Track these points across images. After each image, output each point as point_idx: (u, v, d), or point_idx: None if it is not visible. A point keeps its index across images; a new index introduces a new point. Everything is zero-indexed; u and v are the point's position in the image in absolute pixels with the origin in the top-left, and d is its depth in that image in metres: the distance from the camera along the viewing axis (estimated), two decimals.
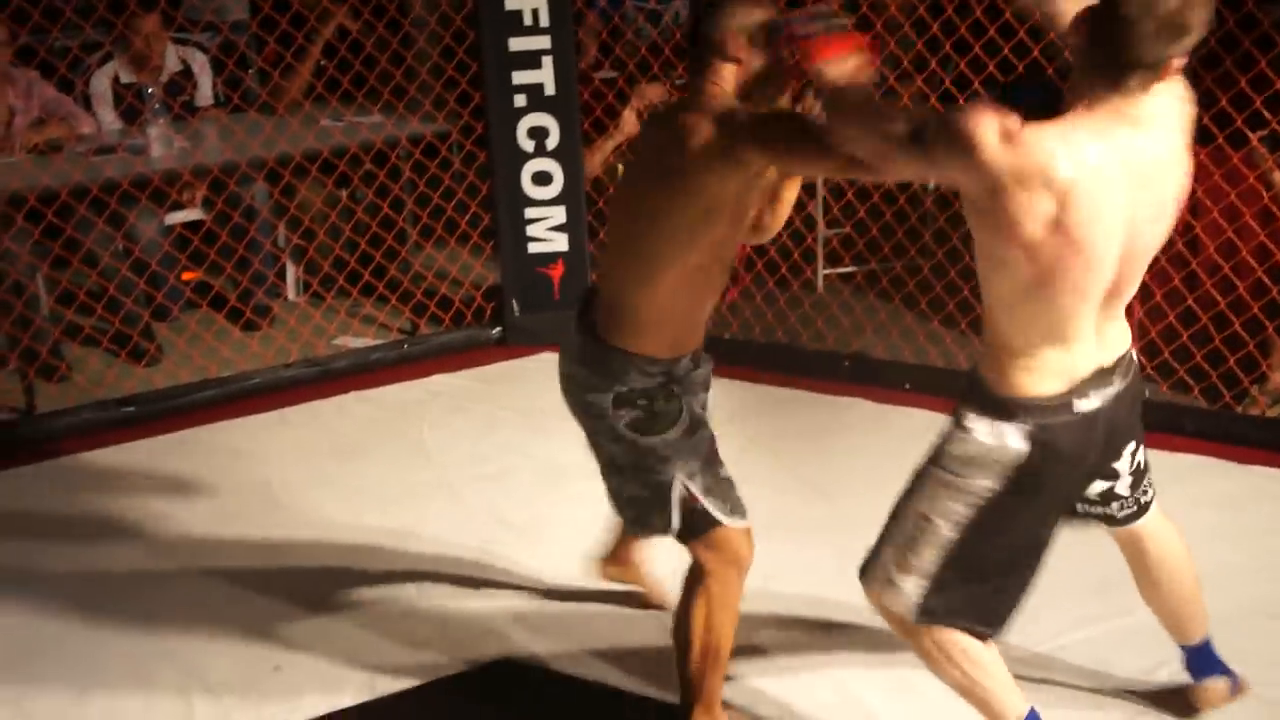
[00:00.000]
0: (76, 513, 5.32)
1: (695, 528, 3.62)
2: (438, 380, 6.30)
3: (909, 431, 5.00)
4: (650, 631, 4.44)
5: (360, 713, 4.20)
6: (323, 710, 4.14)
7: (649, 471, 3.64)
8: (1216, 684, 3.81)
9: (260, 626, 4.54)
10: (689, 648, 3.70)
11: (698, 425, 3.68)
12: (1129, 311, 5.28)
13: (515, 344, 6.52)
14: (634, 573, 4.48)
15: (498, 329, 6.62)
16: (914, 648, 3.47)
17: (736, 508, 3.70)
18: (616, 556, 4.45)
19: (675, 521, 3.64)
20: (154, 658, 4.40)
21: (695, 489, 3.63)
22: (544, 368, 5.77)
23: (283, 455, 5.68)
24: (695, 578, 3.70)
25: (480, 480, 5.36)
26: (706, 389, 3.88)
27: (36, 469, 5.62)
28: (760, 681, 4.13)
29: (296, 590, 4.72)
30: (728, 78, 3.43)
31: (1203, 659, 3.74)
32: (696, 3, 3.93)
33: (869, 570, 3.40)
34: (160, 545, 5.03)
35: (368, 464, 5.57)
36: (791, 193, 3.62)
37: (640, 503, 3.69)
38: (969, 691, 3.41)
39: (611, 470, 3.72)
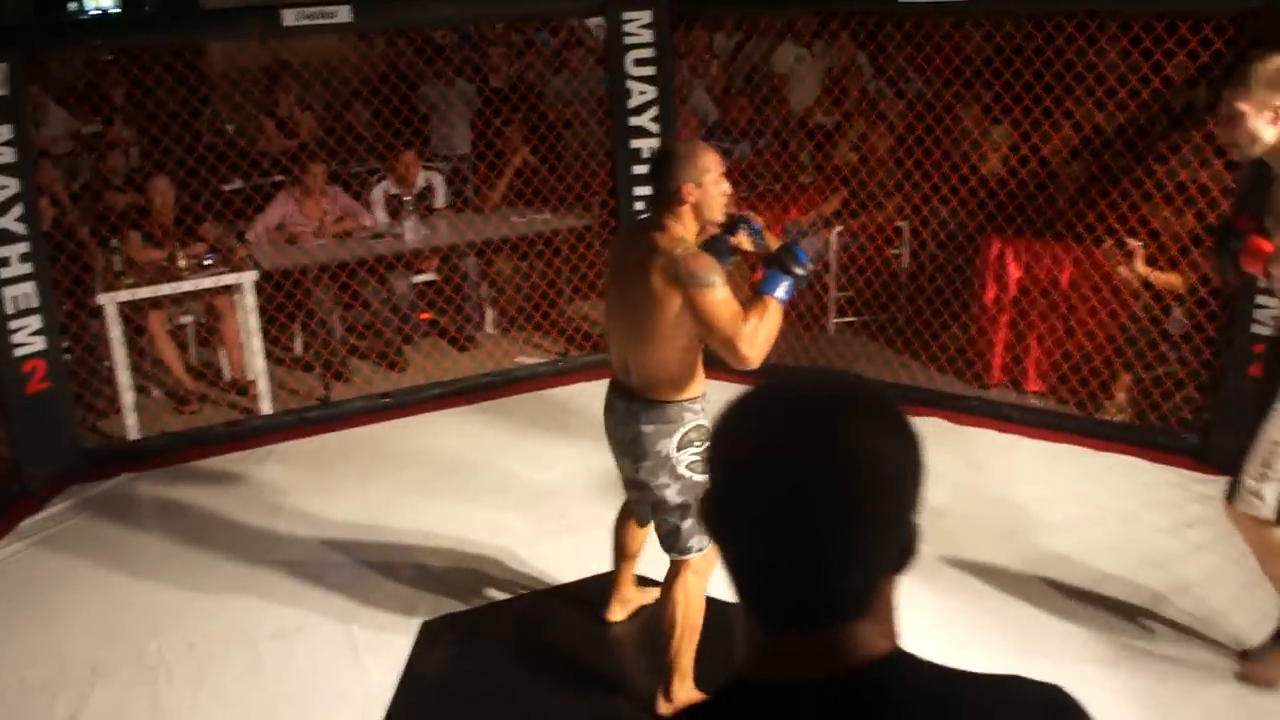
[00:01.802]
0: (355, 463, 5.84)
1: (694, 547, 3.68)
2: (580, 386, 6.61)
3: None
4: None
5: (533, 599, 4.62)
6: (504, 597, 4.65)
7: (691, 505, 3.62)
8: None
9: (463, 539, 5.04)
10: (673, 629, 3.75)
11: None
12: (1028, 351, 6.15)
13: None
14: (635, 600, 4.47)
15: None
16: (1263, 543, 3.72)
17: None
18: (621, 600, 4.43)
19: (694, 546, 3.67)
20: (387, 552, 4.97)
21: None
22: None
23: (482, 433, 6.14)
24: (678, 577, 3.72)
25: (605, 450, 5.17)
26: None
27: (330, 436, 6.19)
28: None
29: (489, 515, 5.21)
30: (684, 215, 3.49)
31: None
32: (658, 154, 3.62)
33: (1235, 493, 3.68)
34: (405, 480, 5.56)
35: (533, 439, 5.99)
36: (767, 328, 3.45)
37: (676, 532, 3.67)
38: None
39: (665, 510, 3.67)
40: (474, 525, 5.17)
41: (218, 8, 9.38)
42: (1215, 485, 5.01)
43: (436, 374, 6.79)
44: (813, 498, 1.16)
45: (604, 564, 4.69)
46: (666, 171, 3.50)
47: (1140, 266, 5.50)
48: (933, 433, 6.01)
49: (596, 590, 4.56)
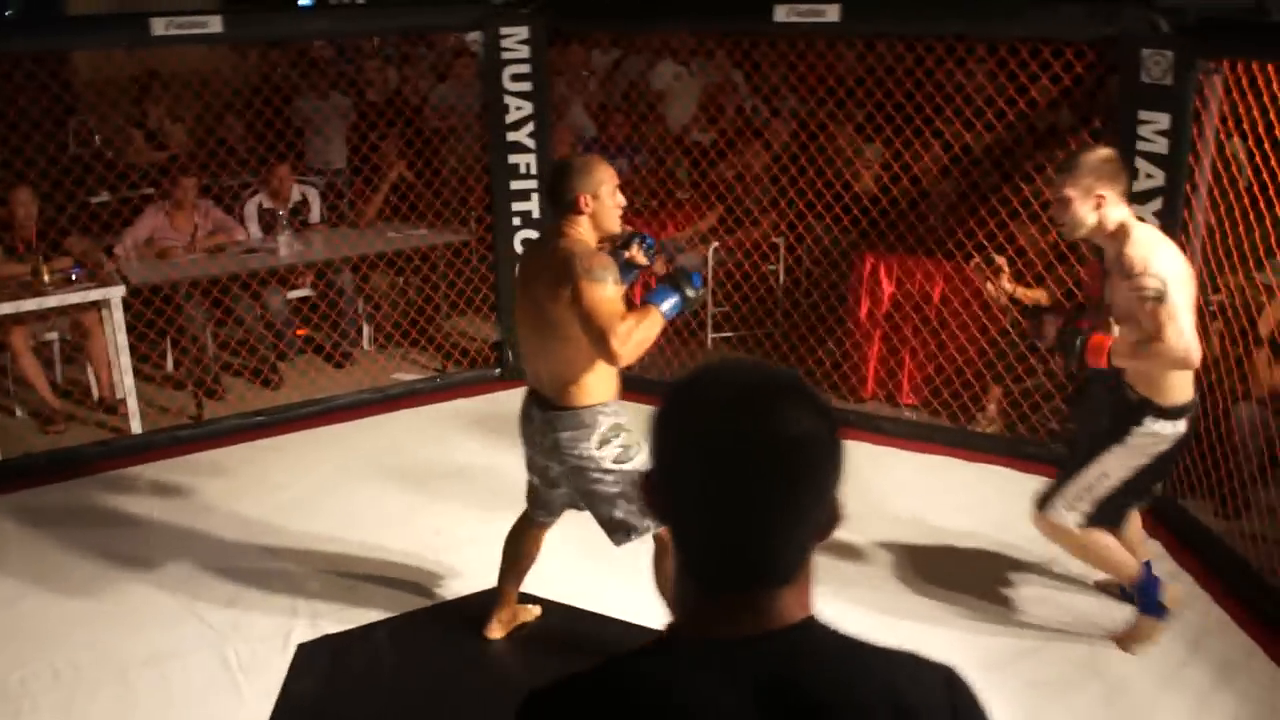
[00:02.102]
0: (229, 482, 5.72)
1: (649, 526, 3.74)
2: (458, 402, 6.64)
3: None
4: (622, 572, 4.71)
5: (407, 619, 4.57)
6: (382, 616, 4.61)
7: (637, 486, 3.63)
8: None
9: (338, 559, 5.00)
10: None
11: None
12: (901, 365, 6.27)
13: (509, 380, 6.66)
14: (518, 617, 4.47)
15: (498, 369, 6.86)
16: (1072, 544, 4.04)
17: None
18: (505, 620, 4.42)
19: (649, 525, 3.73)
20: (264, 573, 4.87)
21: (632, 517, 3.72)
22: None
23: (358, 448, 6.09)
24: (666, 549, 3.67)
25: (484, 467, 5.68)
26: None
27: (203, 455, 6.05)
28: None
29: (364, 533, 5.16)
30: (581, 224, 3.61)
31: None
32: (555, 166, 3.75)
33: (1047, 505, 4.02)
34: (279, 500, 5.47)
35: (412, 455, 5.96)
36: (643, 333, 3.53)
37: (630, 517, 3.73)
38: (1104, 561, 4.05)
39: (601, 501, 3.75)
40: (350, 544, 5.12)
41: (84, 14, 9.22)
42: None
43: (312, 391, 6.72)
44: (753, 477, 1.29)
45: (482, 581, 4.70)
46: (564, 183, 3.62)
47: (1006, 283, 5.60)
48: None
49: (474, 608, 4.55)
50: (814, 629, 1.37)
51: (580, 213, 3.62)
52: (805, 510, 1.32)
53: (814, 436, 1.30)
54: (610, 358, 3.50)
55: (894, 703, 1.33)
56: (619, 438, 3.71)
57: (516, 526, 4.27)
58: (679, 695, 1.30)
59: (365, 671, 4.27)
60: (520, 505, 5.25)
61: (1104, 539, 4.09)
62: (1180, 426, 3.91)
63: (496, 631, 4.41)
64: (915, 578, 4.74)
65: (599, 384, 3.69)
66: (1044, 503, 4.08)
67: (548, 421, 3.73)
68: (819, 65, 6.31)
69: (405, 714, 4.07)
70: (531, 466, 4.00)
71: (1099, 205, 3.73)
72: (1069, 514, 4.01)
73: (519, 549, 4.28)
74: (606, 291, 3.47)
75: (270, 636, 4.44)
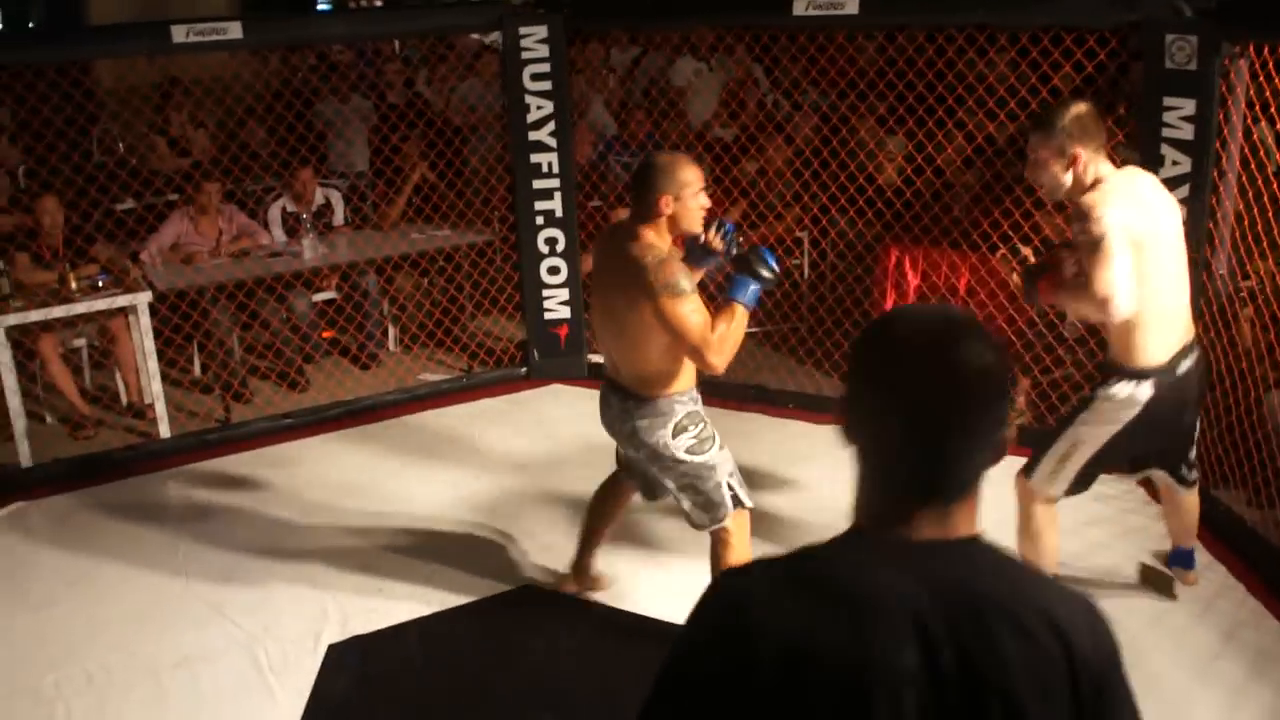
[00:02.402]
0: (258, 485, 5.74)
1: (736, 511, 3.82)
2: (484, 402, 6.66)
3: (793, 434, 5.83)
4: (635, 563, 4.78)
5: (438, 619, 4.56)
6: (413, 616, 4.59)
7: (705, 479, 3.78)
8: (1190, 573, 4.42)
9: (368, 560, 5.01)
10: None
11: (722, 444, 3.81)
12: None
13: (535, 379, 6.82)
14: (593, 583, 4.56)
15: (524, 369, 6.89)
16: (1028, 516, 4.01)
17: (748, 492, 3.86)
18: (579, 575, 4.52)
19: (726, 513, 3.81)
20: (293, 575, 4.88)
21: (735, 484, 3.82)
22: (554, 395, 6.50)
23: (386, 450, 6.10)
24: (723, 545, 3.86)
25: (511, 466, 5.77)
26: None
27: (231, 458, 6.07)
28: None
29: (392, 534, 5.19)
30: (660, 225, 3.59)
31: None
32: (640, 165, 3.70)
33: (1030, 471, 3.99)
34: (307, 502, 5.50)
35: (438, 456, 5.97)
36: (734, 335, 3.58)
37: (698, 507, 3.83)
38: (1036, 545, 4.00)
39: (674, 490, 3.85)
40: (379, 544, 5.12)
41: (105, 24, 9.24)
42: (1113, 485, 5.19)
43: (339, 393, 6.72)
44: (942, 404, 1.50)
45: (511, 580, 4.73)
46: (646, 183, 3.61)
47: None
48: (836, 441, 6.19)
49: (505, 608, 4.56)
50: (981, 543, 1.56)
51: (660, 215, 3.61)
52: (984, 435, 1.53)
53: (995, 369, 1.52)
54: (709, 369, 3.58)
55: (1048, 617, 1.48)
56: (695, 429, 3.76)
57: (605, 484, 4.39)
58: (864, 582, 1.49)
59: (396, 672, 4.27)
60: (551, 503, 5.38)
61: (1049, 524, 4.09)
62: (1145, 390, 3.80)
63: (570, 586, 4.55)
64: None
65: (676, 375, 3.74)
66: (1029, 470, 4.05)
67: (625, 409, 3.79)
68: (839, 58, 6.28)
69: (436, 715, 4.07)
70: (618, 445, 4.08)
71: (1073, 164, 3.65)
72: (1050, 485, 4.00)
73: (603, 506, 4.39)
74: (688, 305, 3.51)
75: (301, 638, 4.45)
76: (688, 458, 3.76)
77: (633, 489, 4.27)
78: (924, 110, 5.96)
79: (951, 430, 1.51)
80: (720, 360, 3.56)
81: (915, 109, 6.01)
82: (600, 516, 4.44)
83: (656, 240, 3.61)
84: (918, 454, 1.53)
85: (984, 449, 1.54)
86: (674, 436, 3.74)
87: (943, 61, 5.84)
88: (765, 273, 3.62)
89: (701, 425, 3.78)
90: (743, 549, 3.86)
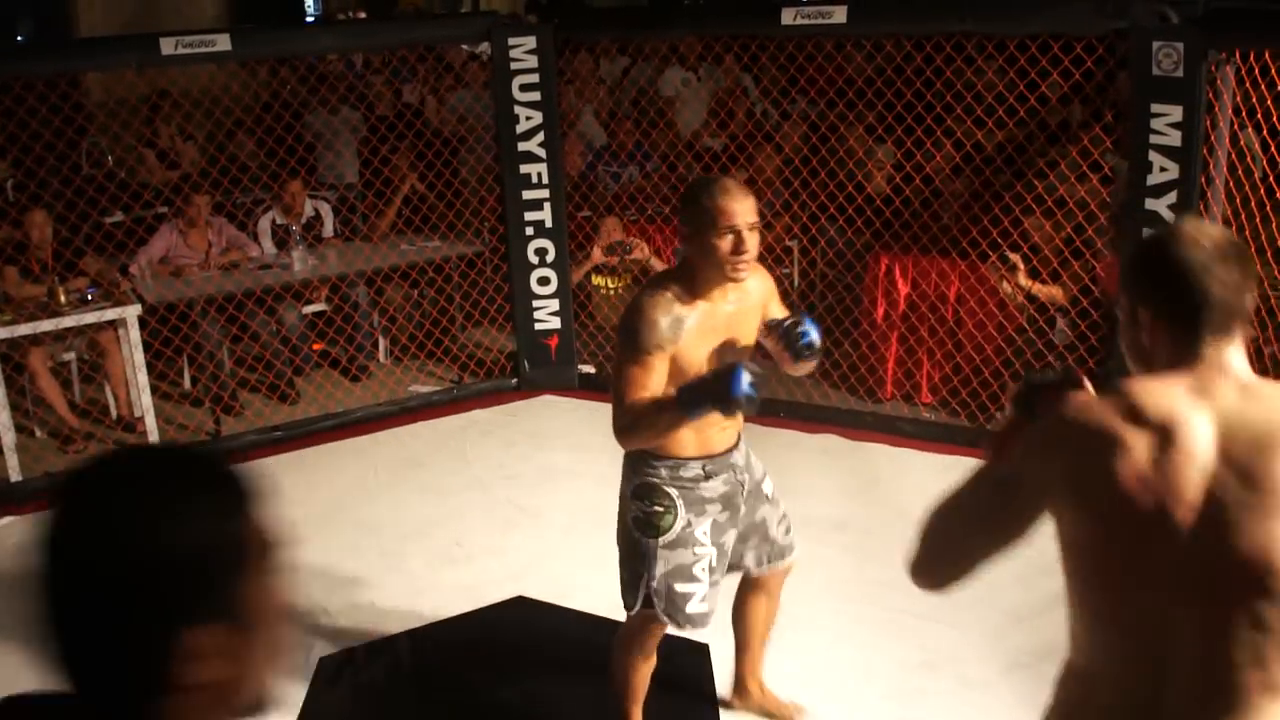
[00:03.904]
0: None
1: (644, 611, 3.30)
2: (475, 414, 6.62)
3: (783, 444, 5.87)
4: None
5: (429, 631, 4.54)
6: (404, 628, 4.55)
7: (636, 560, 3.29)
8: None
9: (359, 571, 4.99)
10: (615, 682, 3.56)
11: (684, 543, 3.21)
12: (919, 365, 6.24)
13: (526, 390, 6.80)
14: (763, 703, 3.90)
15: (515, 379, 6.86)
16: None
17: (681, 619, 3.27)
18: (741, 692, 3.91)
19: (633, 605, 3.32)
20: (292, 590, 4.62)
21: (657, 597, 3.25)
22: (545, 406, 6.47)
23: (375, 462, 6.09)
24: (625, 633, 3.49)
25: (502, 479, 5.77)
26: (728, 509, 3.29)
27: None
28: None
29: (383, 545, 5.17)
30: (684, 267, 3.13)
31: None
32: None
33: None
34: (297, 514, 5.35)
35: (429, 468, 5.96)
36: (651, 432, 3.08)
37: (623, 581, 3.36)
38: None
39: (619, 545, 3.40)
40: (370, 557, 5.10)
41: (94, 36, 9.23)
42: None
43: (329, 405, 6.71)
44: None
45: (502, 592, 4.71)
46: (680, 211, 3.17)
47: (1023, 280, 5.64)
48: (828, 449, 6.14)
49: (496, 619, 4.54)
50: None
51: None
52: (1251, 288, 1.89)
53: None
54: (614, 434, 3.13)
55: None
56: (650, 504, 3.24)
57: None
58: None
59: (387, 684, 4.26)
60: (541, 514, 5.36)
61: None
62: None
63: (737, 703, 3.94)
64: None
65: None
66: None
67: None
68: (828, 67, 6.30)
69: None
70: None
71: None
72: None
73: (736, 611, 3.80)
74: (630, 368, 3.05)
75: (291, 650, 4.42)
76: (631, 526, 3.30)
77: (748, 585, 3.70)
78: (912, 118, 5.97)
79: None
80: (623, 441, 3.13)
81: (904, 117, 6.02)
82: (737, 622, 3.82)
83: (672, 281, 3.13)
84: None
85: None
86: (632, 498, 3.28)
87: (930, 70, 5.86)
88: (729, 405, 2.91)
89: (662, 506, 3.22)
90: (636, 653, 3.47)
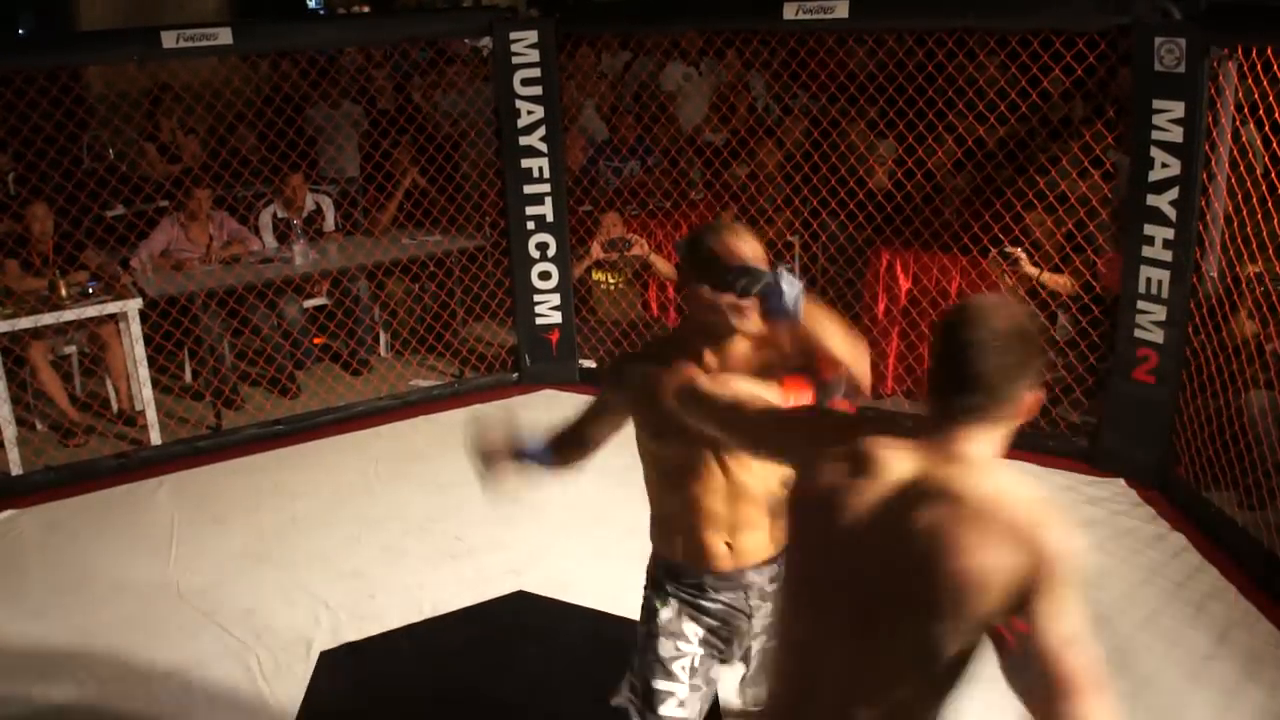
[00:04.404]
0: (249, 491, 5.73)
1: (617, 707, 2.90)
2: (476, 408, 6.39)
3: None
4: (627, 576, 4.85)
5: (430, 625, 4.54)
6: (404, 622, 4.57)
7: (637, 654, 2.95)
8: None
9: (359, 566, 5.01)
10: None
11: (653, 638, 2.88)
12: (920, 360, 6.23)
13: (527, 384, 6.83)
14: None
15: (516, 374, 6.90)
16: None
17: None
18: None
19: (618, 696, 2.98)
20: (285, 582, 4.89)
21: (634, 694, 2.91)
22: (546, 400, 6.48)
23: (377, 456, 6.10)
24: None
25: None
26: (723, 632, 2.86)
27: (222, 465, 6.07)
28: None
29: (384, 540, 5.19)
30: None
31: None
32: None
33: None
34: (299, 509, 5.49)
35: (429, 462, 5.95)
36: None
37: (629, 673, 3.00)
38: None
39: None
40: (371, 551, 5.11)
41: (95, 30, 9.22)
42: (1105, 487, 5.28)
43: (330, 399, 6.72)
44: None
45: (503, 587, 4.72)
46: None
47: (1029, 268, 5.64)
48: None
49: (496, 614, 4.55)
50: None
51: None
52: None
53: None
54: None
55: None
56: (646, 598, 2.99)
57: None
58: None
59: (388, 678, 4.26)
60: (541, 508, 5.27)
61: None
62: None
63: None
64: None
65: (658, 529, 2.97)
66: None
67: None
68: (830, 62, 6.29)
69: (429, 718, 4.05)
70: None
71: None
72: None
73: None
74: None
75: (292, 644, 4.43)
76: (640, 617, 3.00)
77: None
78: (914, 114, 5.97)
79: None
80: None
81: (906, 112, 6.02)
82: None
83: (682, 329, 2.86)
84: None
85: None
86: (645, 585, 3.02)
87: (932, 65, 5.86)
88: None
89: (650, 610, 2.94)
90: None
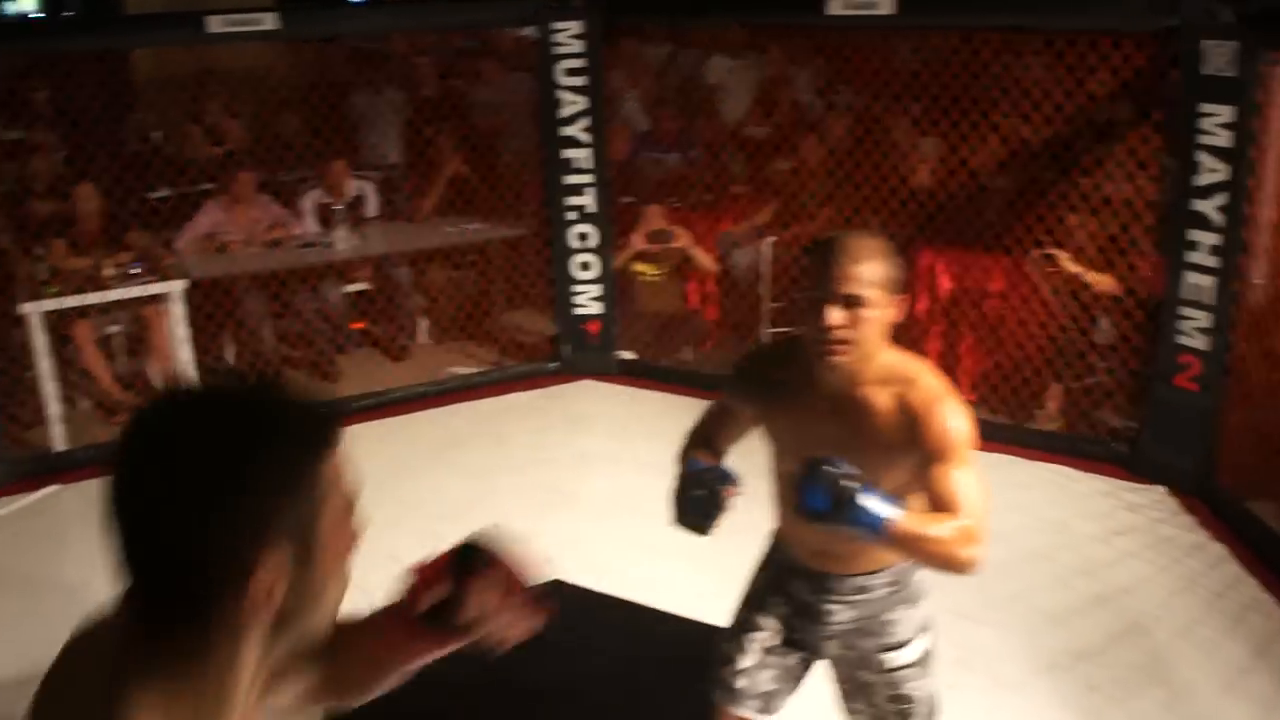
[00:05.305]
0: None
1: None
2: (514, 396, 6.65)
3: None
4: (670, 566, 4.74)
5: None
6: None
7: None
8: None
9: (395, 551, 5.41)
10: None
11: (751, 604, 2.87)
12: (959, 361, 6.22)
13: (566, 374, 6.82)
14: None
15: (555, 363, 6.90)
16: None
17: (714, 676, 2.88)
18: None
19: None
20: None
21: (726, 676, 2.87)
22: (585, 390, 6.50)
23: (415, 442, 6.13)
24: None
25: (541, 461, 5.80)
26: (797, 622, 2.81)
27: None
28: None
29: (420, 526, 5.14)
30: None
31: None
32: None
33: None
34: None
35: (467, 449, 6.00)
36: None
37: None
38: None
39: None
40: (408, 536, 5.07)
41: (142, 13, 9.26)
42: (1144, 494, 5.23)
43: (369, 384, 6.73)
44: None
45: (539, 576, 4.66)
46: None
47: (1071, 266, 5.60)
48: None
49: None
50: None
51: None
52: None
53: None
54: None
55: None
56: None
57: None
58: None
59: (421, 670, 4.24)
60: (579, 497, 5.39)
61: None
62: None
63: None
64: (972, 578, 4.68)
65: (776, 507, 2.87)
66: None
67: None
68: (874, 58, 6.25)
69: (461, 704, 4.03)
70: None
71: None
72: None
73: None
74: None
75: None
76: None
77: None
78: (959, 112, 5.92)
79: None
80: None
81: (950, 111, 5.98)
82: None
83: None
84: None
85: None
86: None
87: (977, 63, 5.80)
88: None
89: (752, 574, 2.96)
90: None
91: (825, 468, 2.25)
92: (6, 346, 6.13)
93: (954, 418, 2.49)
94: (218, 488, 1.17)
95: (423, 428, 6.33)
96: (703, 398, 6.02)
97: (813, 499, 2.26)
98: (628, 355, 6.91)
